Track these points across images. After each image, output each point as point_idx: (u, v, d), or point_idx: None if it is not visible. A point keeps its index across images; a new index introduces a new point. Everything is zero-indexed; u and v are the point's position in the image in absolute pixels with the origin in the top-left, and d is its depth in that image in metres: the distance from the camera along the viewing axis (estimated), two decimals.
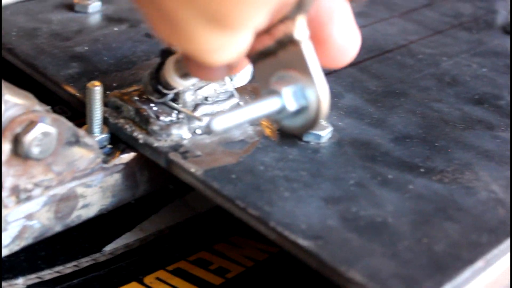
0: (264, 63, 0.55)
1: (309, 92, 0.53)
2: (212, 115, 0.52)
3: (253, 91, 0.74)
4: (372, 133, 0.71)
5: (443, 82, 0.82)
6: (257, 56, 0.56)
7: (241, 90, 0.73)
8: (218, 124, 0.50)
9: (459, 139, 0.72)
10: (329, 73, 0.81)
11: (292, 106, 0.53)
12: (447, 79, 0.82)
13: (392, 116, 0.74)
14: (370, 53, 0.86)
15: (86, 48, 0.81)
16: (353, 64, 0.83)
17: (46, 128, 0.58)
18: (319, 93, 0.53)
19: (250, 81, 0.75)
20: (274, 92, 0.53)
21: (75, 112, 0.75)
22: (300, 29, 0.52)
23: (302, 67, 0.53)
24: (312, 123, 0.54)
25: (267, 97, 0.53)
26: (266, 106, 0.53)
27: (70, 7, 0.90)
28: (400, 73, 0.83)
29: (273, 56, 0.55)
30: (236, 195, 0.60)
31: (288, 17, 0.52)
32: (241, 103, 0.71)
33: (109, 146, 0.68)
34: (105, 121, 0.68)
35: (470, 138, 0.72)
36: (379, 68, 0.83)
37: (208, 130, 0.59)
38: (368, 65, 0.84)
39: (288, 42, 0.53)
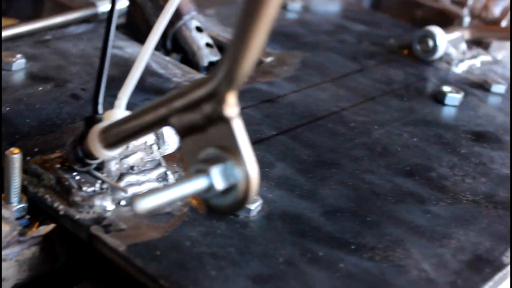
0: (191, 139, 0.53)
1: (238, 171, 0.51)
2: (135, 196, 0.49)
3: (181, 158, 0.72)
4: (303, 206, 0.69)
5: (374, 152, 0.81)
6: (184, 131, 0.53)
7: (169, 158, 0.71)
8: (141, 206, 0.48)
9: (390, 213, 0.70)
10: (261, 141, 0.79)
11: (220, 185, 0.51)
12: (379, 149, 0.82)
13: (323, 188, 0.73)
14: (302, 119, 0.85)
15: (8, 108, 0.77)
16: (285, 131, 0.82)
17: None
18: (249, 172, 0.51)
19: (178, 149, 0.72)
20: (202, 171, 0.51)
21: None
22: (230, 106, 0.51)
23: (232, 144, 0.51)
24: (241, 203, 0.52)
25: (194, 176, 0.51)
26: (193, 186, 0.50)
27: None
28: (332, 141, 0.82)
29: (201, 131, 0.52)
30: (160, 274, 0.57)
31: (217, 93, 0.50)
32: (168, 172, 0.69)
33: (28, 216, 0.64)
34: (25, 189, 0.65)
35: (401, 212, 0.71)
36: (311, 136, 0.82)
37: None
38: (300, 132, 0.82)
39: (218, 118, 0.51)
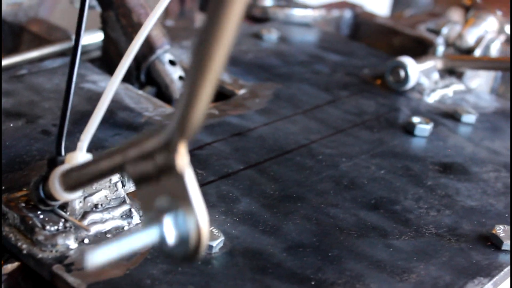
0: (147, 187, 0.54)
1: (190, 222, 0.51)
2: (88, 251, 0.49)
3: None
4: (266, 241, 0.70)
5: (340, 185, 0.82)
6: (139, 180, 0.54)
7: (134, 195, 0.72)
8: (93, 260, 0.48)
9: (352, 247, 0.72)
10: (228, 175, 0.80)
11: (171, 237, 0.52)
12: (345, 182, 0.83)
13: (287, 223, 0.74)
14: (271, 153, 0.86)
15: None
16: (253, 165, 0.83)
17: None
18: (199, 223, 0.51)
19: None
20: (154, 221, 0.52)
21: None
22: (181, 157, 0.52)
23: (183, 195, 0.52)
24: (193, 252, 0.52)
25: (146, 228, 0.51)
26: (145, 238, 0.51)
27: None
28: (299, 175, 0.83)
29: (155, 180, 0.53)
30: None
31: (169, 144, 0.51)
32: (132, 209, 0.70)
33: None
34: None
35: (363, 246, 0.72)
36: (278, 170, 0.83)
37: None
38: (267, 166, 0.84)
39: (170, 168, 0.52)
